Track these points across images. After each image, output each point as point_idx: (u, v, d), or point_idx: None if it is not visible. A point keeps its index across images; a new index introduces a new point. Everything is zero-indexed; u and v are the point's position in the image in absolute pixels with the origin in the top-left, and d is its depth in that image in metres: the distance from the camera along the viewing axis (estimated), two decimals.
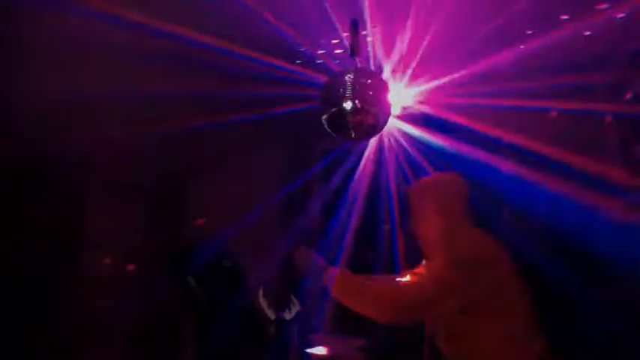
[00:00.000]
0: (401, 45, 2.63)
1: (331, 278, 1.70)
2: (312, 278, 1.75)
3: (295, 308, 1.86)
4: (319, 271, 1.73)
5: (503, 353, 1.60)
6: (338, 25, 2.49)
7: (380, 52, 2.68)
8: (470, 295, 1.60)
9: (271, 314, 1.85)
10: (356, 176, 3.20)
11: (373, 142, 3.06)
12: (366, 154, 3.16)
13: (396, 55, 2.72)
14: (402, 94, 2.88)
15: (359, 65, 2.40)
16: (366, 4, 2.33)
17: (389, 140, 3.15)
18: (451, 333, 1.70)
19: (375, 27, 2.48)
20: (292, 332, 2.00)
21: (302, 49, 2.80)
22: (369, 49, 2.61)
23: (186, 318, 2.42)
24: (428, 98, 2.95)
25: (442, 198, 1.82)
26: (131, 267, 4.35)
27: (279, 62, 2.71)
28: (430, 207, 1.82)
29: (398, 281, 1.87)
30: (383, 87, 2.20)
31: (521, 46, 2.63)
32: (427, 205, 1.83)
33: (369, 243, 3.42)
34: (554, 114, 2.98)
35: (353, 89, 2.06)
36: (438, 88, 2.90)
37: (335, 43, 2.70)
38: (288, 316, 1.86)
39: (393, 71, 2.79)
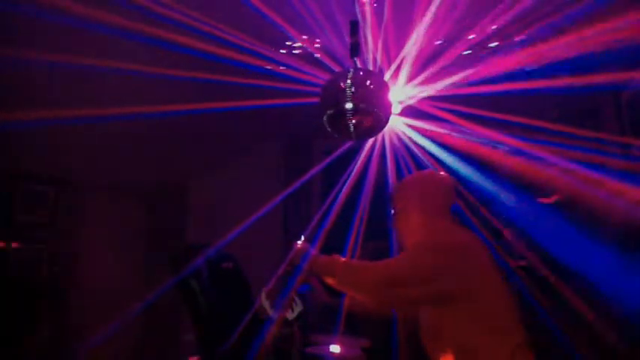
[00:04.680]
0: (401, 43, 2.64)
1: (316, 261, 1.82)
2: (303, 266, 1.82)
3: (298, 308, 1.88)
4: (309, 260, 1.83)
5: (485, 347, 1.61)
6: (338, 24, 2.49)
7: (379, 52, 2.68)
8: (444, 281, 1.62)
9: (274, 314, 1.86)
10: (358, 174, 3.21)
11: (374, 140, 3.06)
12: (365, 152, 3.17)
13: (395, 54, 2.72)
14: (402, 93, 2.88)
15: (359, 65, 2.40)
16: (366, 2, 2.33)
17: (390, 138, 3.16)
18: (433, 331, 1.73)
19: (374, 26, 2.48)
20: (295, 332, 2.00)
21: (301, 48, 2.80)
22: (369, 48, 2.61)
23: (189, 318, 2.43)
24: (427, 95, 2.95)
25: (422, 195, 1.86)
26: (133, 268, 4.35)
27: (279, 59, 2.72)
28: (411, 204, 1.87)
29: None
30: (383, 86, 2.21)
31: (522, 44, 2.63)
32: (408, 202, 1.88)
33: (377, 236, 3.43)
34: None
35: (353, 89, 2.06)
36: (438, 85, 2.90)
37: (335, 42, 2.70)
38: (290, 316, 1.88)
39: (393, 70, 2.79)
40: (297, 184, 3.80)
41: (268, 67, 2.73)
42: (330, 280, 1.80)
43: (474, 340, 1.61)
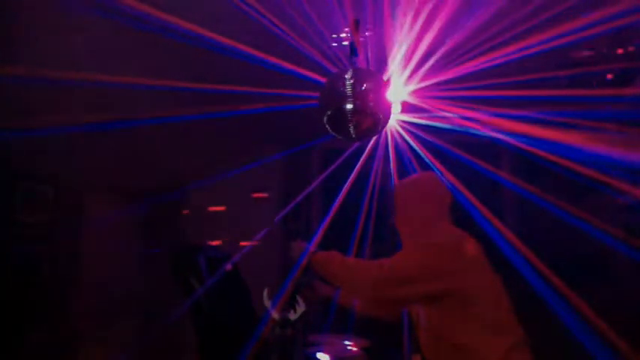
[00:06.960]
0: (400, 42, 2.64)
1: (313, 257, 1.87)
2: (300, 263, 1.87)
3: (300, 309, 1.89)
4: (307, 256, 1.88)
5: (479, 346, 1.63)
6: (338, 24, 2.49)
7: (379, 51, 2.68)
8: (436, 281, 1.66)
9: (276, 315, 1.88)
10: (361, 174, 3.22)
11: (376, 140, 3.07)
12: (367, 152, 3.18)
13: (395, 53, 2.72)
14: (402, 92, 2.89)
15: (358, 65, 2.40)
16: (366, 2, 2.33)
17: (391, 137, 3.16)
18: (429, 330, 1.76)
19: (374, 25, 2.48)
20: (297, 332, 2.01)
21: (300, 48, 2.80)
22: (369, 47, 2.62)
23: (189, 319, 2.43)
24: (428, 94, 2.95)
25: (420, 197, 1.92)
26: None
27: (279, 61, 2.72)
28: (411, 205, 1.92)
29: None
30: (383, 86, 2.21)
31: (522, 43, 2.62)
32: (408, 203, 1.93)
33: (378, 236, 3.44)
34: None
35: (353, 89, 2.07)
36: (438, 83, 2.91)
37: (335, 42, 2.70)
38: (292, 316, 1.89)
39: (393, 69, 2.79)
40: (297, 184, 3.80)
41: (268, 69, 2.73)
42: (326, 276, 1.82)
43: (469, 340, 1.64)
